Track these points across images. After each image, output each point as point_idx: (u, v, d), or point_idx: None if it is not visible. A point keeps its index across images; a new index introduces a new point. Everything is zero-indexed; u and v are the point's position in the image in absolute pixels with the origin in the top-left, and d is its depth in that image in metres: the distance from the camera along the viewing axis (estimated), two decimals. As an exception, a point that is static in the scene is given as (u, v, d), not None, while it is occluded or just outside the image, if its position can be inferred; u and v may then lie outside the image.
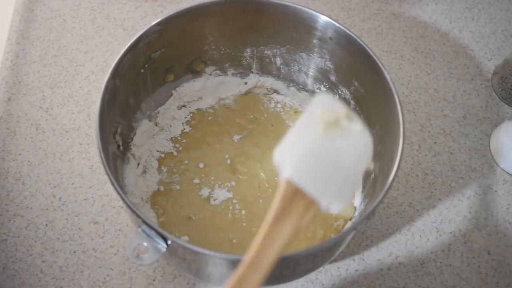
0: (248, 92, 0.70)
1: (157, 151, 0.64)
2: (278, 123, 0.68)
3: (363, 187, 0.61)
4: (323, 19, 0.60)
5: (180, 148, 0.65)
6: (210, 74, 0.69)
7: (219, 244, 0.58)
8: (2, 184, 0.64)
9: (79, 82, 0.72)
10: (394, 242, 0.62)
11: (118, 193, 0.47)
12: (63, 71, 0.73)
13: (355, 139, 0.38)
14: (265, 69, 0.70)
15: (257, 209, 0.61)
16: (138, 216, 0.46)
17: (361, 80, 0.61)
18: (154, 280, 0.58)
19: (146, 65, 0.61)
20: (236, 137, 0.66)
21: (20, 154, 0.66)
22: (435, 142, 0.70)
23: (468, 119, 0.73)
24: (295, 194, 0.37)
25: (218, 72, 0.69)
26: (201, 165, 0.64)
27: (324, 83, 0.67)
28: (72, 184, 0.64)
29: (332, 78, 0.65)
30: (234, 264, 0.47)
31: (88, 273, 0.58)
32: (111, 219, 0.62)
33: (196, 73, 0.68)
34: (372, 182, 0.58)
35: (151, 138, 0.65)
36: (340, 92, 0.66)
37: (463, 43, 0.80)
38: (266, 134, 0.67)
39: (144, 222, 0.46)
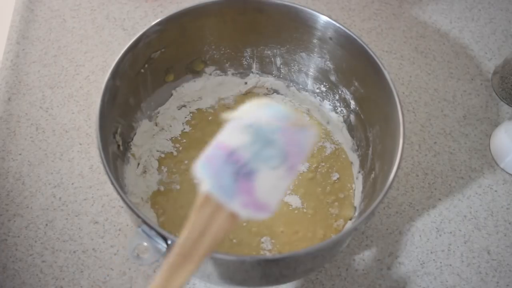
0: (248, 92, 0.70)
1: (157, 151, 0.64)
2: (278, 123, 0.68)
3: (363, 187, 0.61)
4: (323, 19, 0.60)
5: (180, 148, 0.65)
6: (210, 74, 0.69)
7: (219, 244, 0.58)
8: (2, 184, 0.64)
9: (79, 82, 0.72)
10: (394, 242, 0.62)
11: (118, 193, 0.47)
12: (63, 71, 0.73)
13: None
14: (265, 69, 0.70)
15: (257, 209, 0.60)
16: (138, 216, 0.46)
17: (361, 80, 0.61)
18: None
19: (146, 65, 0.61)
20: (236, 137, 0.66)
21: (20, 154, 0.66)
22: (435, 142, 0.70)
23: (468, 119, 0.73)
24: (215, 207, 0.37)
25: (218, 72, 0.69)
26: (201, 165, 0.63)
27: (324, 83, 0.67)
28: (72, 184, 0.64)
29: (332, 78, 0.65)
30: (234, 264, 0.47)
31: (88, 273, 0.58)
32: (111, 219, 0.62)
33: (196, 73, 0.68)
34: (372, 182, 0.58)
35: (151, 138, 0.65)
36: (340, 92, 0.66)
37: (463, 43, 0.80)
38: (266, 134, 0.66)
39: (144, 222, 0.46)
